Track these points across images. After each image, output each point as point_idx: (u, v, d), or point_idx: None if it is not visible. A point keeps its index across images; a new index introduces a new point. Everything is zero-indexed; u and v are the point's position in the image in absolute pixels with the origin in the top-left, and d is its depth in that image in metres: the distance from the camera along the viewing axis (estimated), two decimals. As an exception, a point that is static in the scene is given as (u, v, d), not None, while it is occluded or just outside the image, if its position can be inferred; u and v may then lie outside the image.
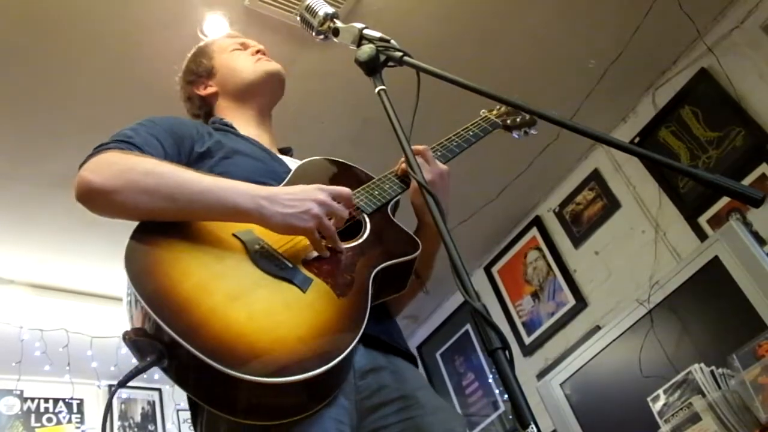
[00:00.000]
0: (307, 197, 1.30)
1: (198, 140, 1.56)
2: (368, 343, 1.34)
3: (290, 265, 1.27)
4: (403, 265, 1.43)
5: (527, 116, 1.95)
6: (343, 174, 1.66)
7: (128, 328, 1.15)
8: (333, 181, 1.57)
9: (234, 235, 1.30)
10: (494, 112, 1.91)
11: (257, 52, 1.83)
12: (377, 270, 1.35)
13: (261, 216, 1.27)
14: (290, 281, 1.24)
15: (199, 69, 1.84)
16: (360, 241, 1.41)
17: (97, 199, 1.27)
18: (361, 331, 1.21)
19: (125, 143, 1.38)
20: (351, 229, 1.43)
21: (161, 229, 1.26)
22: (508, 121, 1.91)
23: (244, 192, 1.30)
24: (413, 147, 1.54)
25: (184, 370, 1.09)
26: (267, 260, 1.26)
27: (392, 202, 1.56)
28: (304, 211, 1.28)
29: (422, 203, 1.54)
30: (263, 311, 1.17)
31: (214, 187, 1.29)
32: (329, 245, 1.33)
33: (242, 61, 1.81)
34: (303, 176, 1.54)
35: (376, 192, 1.53)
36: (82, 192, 1.27)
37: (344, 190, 1.37)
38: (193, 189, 1.28)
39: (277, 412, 1.12)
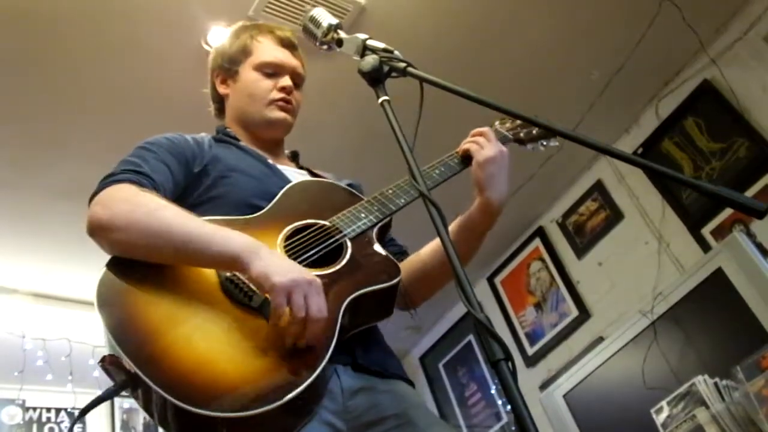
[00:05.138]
0: (297, 270, 1.22)
1: (197, 158, 1.55)
2: (359, 369, 1.35)
3: (258, 293, 1.25)
4: (382, 292, 1.39)
5: None
6: (331, 196, 1.61)
7: (106, 353, 1.15)
8: (318, 203, 1.54)
9: None
10: (507, 124, 1.87)
11: (282, 89, 1.72)
12: (350, 299, 1.31)
13: (245, 265, 1.22)
14: (258, 311, 1.22)
15: (226, 61, 1.77)
16: (336, 268, 1.36)
17: (102, 235, 1.30)
18: (325, 360, 1.18)
19: (135, 173, 1.39)
20: (332, 253, 1.40)
21: (135, 260, 1.27)
22: (521, 134, 1.86)
23: (242, 245, 1.25)
24: (476, 130, 1.68)
25: (147, 401, 1.10)
26: (237, 289, 1.25)
27: (380, 225, 1.52)
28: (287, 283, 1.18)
29: (483, 177, 1.58)
30: (226, 342, 1.16)
31: (209, 233, 1.26)
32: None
33: (258, 99, 1.71)
34: (288, 199, 1.51)
35: (362, 215, 1.49)
36: (92, 227, 1.31)
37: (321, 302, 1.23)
38: (193, 238, 1.26)
39: None
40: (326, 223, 1.46)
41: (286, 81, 1.73)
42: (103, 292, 1.19)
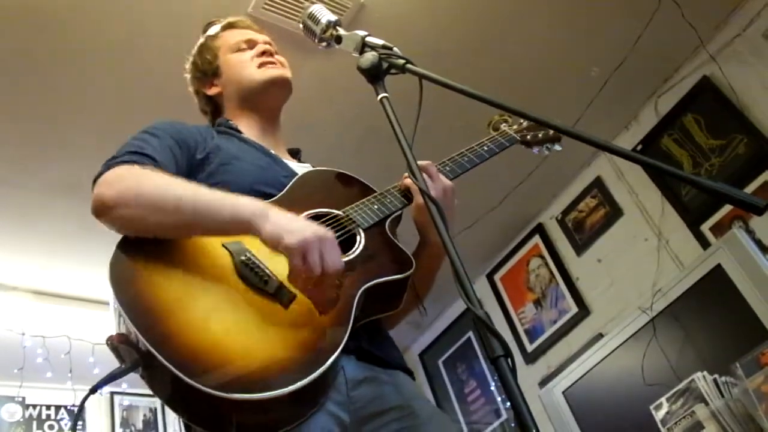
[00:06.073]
0: (308, 228, 1.22)
1: (199, 146, 1.55)
2: (362, 358, 1.35)
3: (274, 278, 1.25)
4: (395, 284, 1.39)
5: (550, 131, 1.90)
6: (344, 186, 1.62)
7: (113, 332, 1.16)
8: (332, 193, 1.55)
9: (223, 245, 1.29)
10: (514, 126, 1.86)
11: (263, 53, 1.77)
12: (365, 288, 1.32)
13: (257, 228, 1.22)
14: (272, 295, 1.22)
15: (204, 66, 1.82)
16: (350, 257, 1.36)
17: (109, 214, 1.28)
18: (338, 351, 1.18)
19: (139, 155, 1.38)
20: (345, 243, 1.40)
21: (149, 239, 1.26)
22: (528, 137, 1.85)
23: (246, 205, 1.27)
24: (418, 162, 1.54)
25: (158, 380, 1.10)
26: (252, 272, 1.25)
27: (392, 217, 1.53)
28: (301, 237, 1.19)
29: (424, 221, 1.53)
30: (240, 325, 1.16)
31: (219, 199, 1.28)
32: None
33: (246, 66, 1.75)
34: (302, 187, 1.52)
35: (375, 206, 1.50)
36: (96, 207, 1.29)
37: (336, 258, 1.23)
38: (198, 201, 1.27)
39: (244, 429, 1.11)
40: (340, 212, 1.46)
41: (261, 46, 1.79)
42: (117, 270, 1.19)
